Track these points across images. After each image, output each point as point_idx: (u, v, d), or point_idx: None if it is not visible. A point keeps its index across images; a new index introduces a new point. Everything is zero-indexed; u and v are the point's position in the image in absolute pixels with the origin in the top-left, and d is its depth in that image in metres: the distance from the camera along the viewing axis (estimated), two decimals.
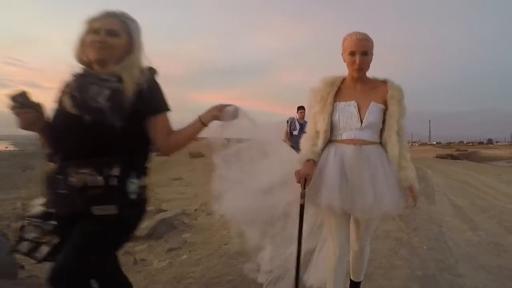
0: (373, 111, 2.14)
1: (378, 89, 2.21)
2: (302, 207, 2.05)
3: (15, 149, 39.11)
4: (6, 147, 42.10)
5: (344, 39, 2.18)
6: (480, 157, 40.31)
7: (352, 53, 2.10)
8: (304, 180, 2.02)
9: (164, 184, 12.66)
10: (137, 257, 4.25)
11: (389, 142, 2.15)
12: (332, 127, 2.18)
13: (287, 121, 7.46)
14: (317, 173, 2.11)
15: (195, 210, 7.16)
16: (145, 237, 5.14)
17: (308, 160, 2.15)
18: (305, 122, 6.28)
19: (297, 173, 2.05)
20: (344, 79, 2.26)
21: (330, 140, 2.22)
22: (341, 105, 2.17)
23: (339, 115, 2.15)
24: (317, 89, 2.26)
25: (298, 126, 7.53)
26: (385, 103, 2.17)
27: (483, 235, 4.89)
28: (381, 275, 3.41)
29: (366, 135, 2.15)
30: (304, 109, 6.86)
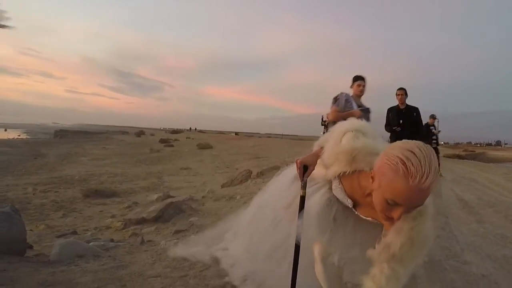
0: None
1: None
2: (302, 199, 1.81)
3: (28, 137, 39.48)
4: (19, 135, 42.49)
5: (391, 161, 1.27)
6: (487, 158, 39.86)
7: (394, 204, 1.28)
8: (302, 169, 1.79)
9: (173, 173, 12.69)
10: (145, 238, 4.26)
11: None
12: None
13: (337, 98, 5.05)
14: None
15: (203, 197, 7.16)
16: (153, 220, 5.16)
17: (322, 148, 1.83)
18: (364, 106, 5.05)
19: (297, 161, 1.81)
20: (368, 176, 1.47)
21: None
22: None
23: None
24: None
25: (355, 106, 5.00)
26: None
27: (489, 227, 4.85)
28: None
29: None
30: (364, 81, 5.08)
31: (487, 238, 4.32)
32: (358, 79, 5.07)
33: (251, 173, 9.46)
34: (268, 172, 9.56)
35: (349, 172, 1.61)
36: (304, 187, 1.81)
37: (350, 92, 5.08)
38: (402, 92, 6.40)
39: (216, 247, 2.76)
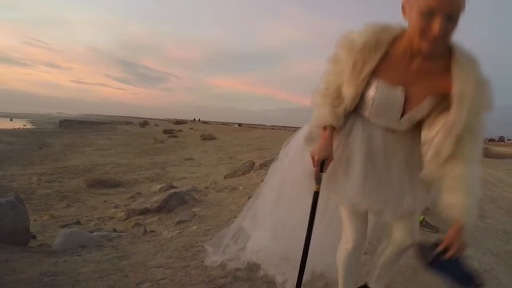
0: (424, 107, 1.46)
1: (441, 76, 1.40)
2: (316, 194, 1.60)
3: (33, 127, 39.65)
4: (24, 125, 42.68)
5: None
6: (490, 153, 39.70)
7: (430, 13, 1.23)
8: (320, 165, 1.53)
9: (176, 164, 12.71)
10: (148, 228, 4.26)
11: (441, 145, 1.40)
12: (360, 100, 1.56)
13: None
14: (340, 153, 1.57)
15: (206, 187, 7.16)
16: (155, 210, 5.17)
17: (325, 128, 1.56)
18: None
19: (313, 154, 1.53)
20: (396, 39, 1.45)
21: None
22: (381, 85, 1.47)
23: (375, 98, 1.49)
24: (350, 44, 1.49)
25: None
26: (446, 98, 1.40)
27: (491, 222, 4.80)
28: None
29: (402, 127, 1.55)
30: None
31: (489, 233, 4.28)
32: None
33: (254, 164, 9.45)
34: (271, 163, 9.54)
35: (378, 61, 1.45)
36: (318, 182, 1.59)
37: None
38: None
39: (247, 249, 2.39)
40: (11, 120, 59.50)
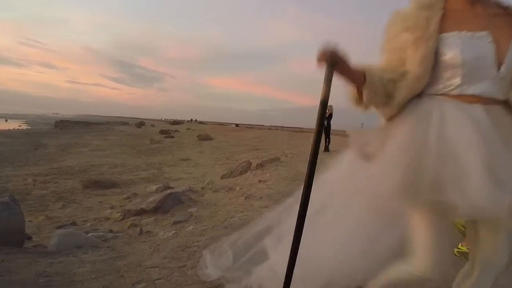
0: None
1: (509, 17, 1.27)
2: (330, 73, 1.24)
3: (28, 127, 39.49)
4: (19, 126, 42.48)
5: None
6: None
7: None
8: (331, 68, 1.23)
9: (172, 164, 12.69)
10: (144, 229, 4.26)
11: None
12: (433, 73, 1.25)
13: None
14: (436, 152, 1.14)
15: (202, 188, 7.16)
16: (151, 211, 5.16)
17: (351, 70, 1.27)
18: None
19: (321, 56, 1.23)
20: None
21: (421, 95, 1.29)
22: (462, 36, 1.21)
23: (462, 50, 1.19)
24: (402, 12, 1.32)
25: None
26: None
27: None
28: None
29: (500, 91, 1.24)
30: None
31: None
32: None
33: (251, 164, 9.45)
34: (268, 163, 9.54)
35: (441, 17, 1.25)
36: (333, 60, 1.22)
37: None
38: None
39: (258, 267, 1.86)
40: (6, 120, 59.16)
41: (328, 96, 1.30)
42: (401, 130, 1.25)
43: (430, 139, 1.17)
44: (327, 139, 13.23)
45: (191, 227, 4.10)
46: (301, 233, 1.36)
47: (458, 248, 3.05)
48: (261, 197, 5.40)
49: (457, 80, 1.22)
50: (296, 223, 1.35)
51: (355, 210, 1.58)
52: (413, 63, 1.25)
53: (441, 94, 1.26)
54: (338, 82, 1.28)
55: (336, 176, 1.70)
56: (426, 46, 1.22)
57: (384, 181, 1.24)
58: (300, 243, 1.37)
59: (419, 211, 1.26)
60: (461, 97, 1.22)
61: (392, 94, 1.28)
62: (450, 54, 1.21)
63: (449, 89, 1.24)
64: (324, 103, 1.30)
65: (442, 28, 1.24)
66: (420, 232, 1.27)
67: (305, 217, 1.34)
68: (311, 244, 1.57)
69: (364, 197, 1.48)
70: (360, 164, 1.41)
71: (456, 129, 1.16)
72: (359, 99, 1.34)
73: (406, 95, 1.27)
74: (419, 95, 1.28)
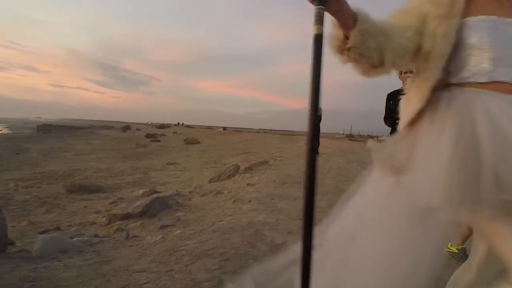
0: None
1: None
2: (319, 38, 1.02)
3: (10, 132, 38.84)
4: (1, 130, 41.76)
5: None
6: None
7: None
8: None
9: (159, 169, 12.61)
10: (130, 233, 4.24)
11: None
12: (457, 59, 1.15)
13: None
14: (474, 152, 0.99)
15: (190, 192, 7.14)
16: (138, 215, 5.14)
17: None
18: None
19: None
20: None
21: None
22: (491, 20, 1.13)
23: (491, 36, 1.11)
24: None
25: None
26: None
27: None
28: None
29: None
30: None
31: None
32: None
33: (239, 168, 9.46)
34: (256, 167, 9.57)
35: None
36: (320, 18, 1.01)
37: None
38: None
39: None
40: None
41: (322, 34, 1.03)
42: (438, 129, 1.09)
43: (481, 134, 1.00)
44: (316, 142, 13.36)
45: (178, 231, 4.10)
46: (310, 258, 1.09)
47: (447, 248, 3.11)
48: (249, 201, 5.41)
49: (485, 66, 1.11)
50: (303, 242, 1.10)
51: (393, 232, 1.32)
52: (432, 37, 1.12)
53: (467, 83, 1.13)
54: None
55: (365, 199, 1.45)
56: (450, 24, 1.12)
57: (430, 190, 1.04)
58: (332, 274, 1.26)
59: (481, 219, 1.07)
60: (491, 85, 1.10)
61: (384, 51, 1.10)
62: (476, 37, 1.12)
63: (477, 76, 1.12)
64: (318, 41, 1.02)
65: (467, 12, 1.15)
66: (504, 241, 1.05)
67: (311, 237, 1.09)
68: (344, 275, 1.36)
69: (403, 216, 1.24)
70: (390, 180, 1.23)
71: (509, 123, 1.02)
72: (343, 45, 1.12)
73: (404, 62, 1.17)
74: (438, 88, 1.14)
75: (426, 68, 1.14)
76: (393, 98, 4.64)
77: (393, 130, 4.55)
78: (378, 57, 1.11)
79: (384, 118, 4.76)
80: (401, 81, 4.37)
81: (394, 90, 4.68)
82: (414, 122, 1.17)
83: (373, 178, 1.37)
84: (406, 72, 4.19)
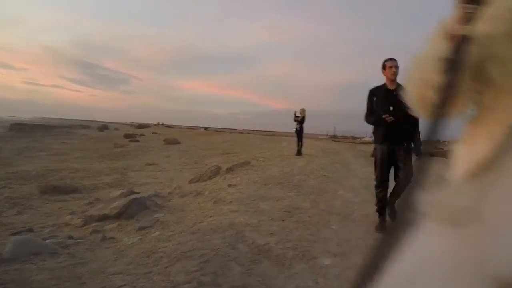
0: None
1: None
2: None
3: None
4: None
5: None
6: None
7: None
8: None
9: (138, 169, 12.45)
10: (106, 235, 4.17)
11: None
12: None
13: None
14: None
15: (169, 193, 7.08)
16: (115, 216, 5.06)
17: None
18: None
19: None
20: None
21: None
22: None
23: None
24: None
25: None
26: None
27: None
28: (357, 253, 3.53)
29: None
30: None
31: None
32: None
33: (220, 168, 9.43)
34: (238, 167, 9.57)
35: None
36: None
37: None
38: (395, 64, 4.38)
39: None
40: None
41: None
42: None
43: None
44: (300, 143, 13.43)
45: (157, 233, 4.06)
46: None
47: None
48: (230, 202, 5.40)
49: None
50: None
51: None
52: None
53: None
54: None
55: (417, 258, 1.06)
56: None
57: None
58: None
59: None
60: None
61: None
62: None
63: None
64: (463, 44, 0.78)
65: None
66: None
67: None
68: None
69: (469, 282, 0.92)
70: (450, 233, 0.92)
71: None
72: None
73: None
74: None
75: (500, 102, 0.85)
76: (375, 94, 4.59)
77: (377, 128, 4.64)
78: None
79: (366, 115, 4.65)
80: (385, 77, 4.50)
81: (375, 86, 4.65)
82: (481, 165, 0.85)
83: (425, 231, 1.02)
84: (391, 67, 4.40)
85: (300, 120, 13.22)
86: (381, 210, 4.59)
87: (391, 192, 4.55)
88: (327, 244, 3.73)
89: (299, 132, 13.25)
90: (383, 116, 4.31)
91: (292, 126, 13.41)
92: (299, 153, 13.14)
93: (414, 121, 4.18)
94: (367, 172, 9.82)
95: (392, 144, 4.42)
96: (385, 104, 4.37)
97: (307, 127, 14.09)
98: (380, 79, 4.54)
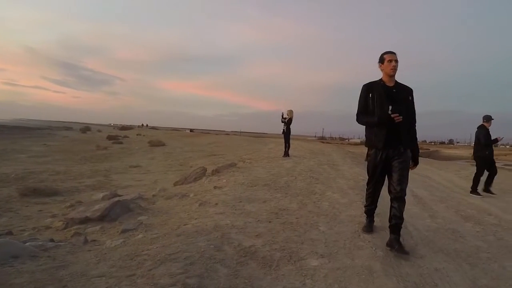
0: None
1: None
2: None
3: None
4: None
5: None
6: (441, 156, 42.52)
7: None
8: None
9: (121, 171, 12.34)
10: (89, 238, 4.12)
11: None
12: None
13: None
14: None
15: (153, 195, 7.02)
16: (97, 219, 5.00)
17: None
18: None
19: None
20: None
21: None
22: None
23: None
24: None
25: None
26: None
27: (442, 222, 5.13)
28: (345, 254, 3.53)
29: None
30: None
31: (439, 233, 4.56)
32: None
33: (206, 170, 9.40)
34: (224, 169, 9.55)
35: None
36: None
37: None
38: (395, 58, 3.87)
39: None
40: None
41: None
42: None
43: None
44: (287, 144, 13.46)
45: (140, 235, 4.02)
46: None
47: None
48: (216, 204, 5.38)
49: None
50: None
51: None
52: None
53: None
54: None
55: None
56: None
57: None
58: None
59: None
60: None
61: None
62: None
63: None
64: None
65: None
66: None
67: None
68: None
69: None
70: None
71: None
72: None
73: None
74: None
75: None
76: (371, 90, 3.96)
77: (371, 129, 4.01)
78: None
79: (358, 114, 4.04)
80: (381, 71, 3.95)
81: (370, 81, 4.05)
82: None
83: None
84: (390, 61, 3.82)
85: (287, 122, 13.27)
86: (368, 212, 4.49)
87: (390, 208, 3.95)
88: (314, 245, 3.73)
89: (286, 134, 13.29)
90: (392, 115, 3.69)
91: (280, 128, 13.44)
92: (286, 154, 13.18)
93: (412, 123, 3.98)
94: (354, 173, 9.90)
95: (390, 148, 3.87)
96: (385, 103, 3.82)
97: (295, 129, 14.14)
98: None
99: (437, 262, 3.51)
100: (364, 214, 4.59)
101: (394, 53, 3.87)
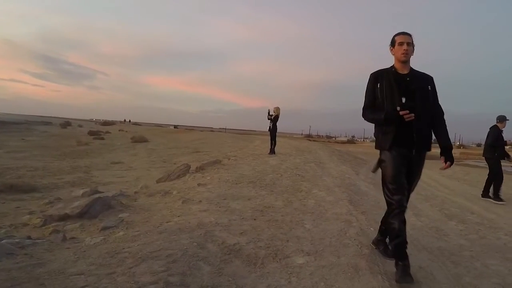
0: None
1: None
2: None
3: None
4: None
5: None
6: (427, 155, 43.29)
7: None
8: None
9: (102, 168, 12.21)
10: (67, 235, 4.07)
11: None
12: None
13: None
14: None
15: (135, 192, 6.97)
16: (77, 216, 4.95)
17: None
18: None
19: None
20: None
21: None
22: None
23: None
24: None
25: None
26: None
27: (426, 220, 5.23)
28: (331, 252, 3.56)
29: None
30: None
31: (424, 231, 4.65)
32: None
33: (190, 167, 9.36)
34: (209, 166, 9.51)
35: None
36: None
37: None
38: (408, 40, 3.25)
39: None
40: None
41: None
42: None
43: None
44: (273, 142, 13.49)
45: (121, 233, 3.98)
46: None
47: None
48: (200, 201, 5.37)
49: None
50: None
51: None
52: None
53: None
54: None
55: None
56: None
57: None
58: None
59: None
60: None
61: None
62: None
63: None
64: None
65: None
66: None
67: None
68: None
69: None
70: None
71: None
72: None
73: None
74: None
75: None
76: (381, 79, 3.33)
77: (380, 128, 3.35)
78: None
79: (365, 108, 3.42)
80: (393, 55, 3.33)
81: (380, 69, 3.43)
82: None
83: None
84: (402, 44, 3.22)
85: (274, 119, 13.29)
86: (399, 249, 3.15)
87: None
88: (300, 243, 3.75)
89: (272, 131, 13.31)
90: (400, 112, 3.07)
91: (267, 125, 13.45)
92: (272, 152, 13.20)
93: (437, 116, 3.36)
94: (341, 171, 9.97)
95: (406, 149, 3.22)
96: (396, 94, 3.19)
97: (282, 126, 14.16)
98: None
99: (421, 260, 3.58)
100: (390, 256, 3.36)
101: (407, 35, 3.26)
